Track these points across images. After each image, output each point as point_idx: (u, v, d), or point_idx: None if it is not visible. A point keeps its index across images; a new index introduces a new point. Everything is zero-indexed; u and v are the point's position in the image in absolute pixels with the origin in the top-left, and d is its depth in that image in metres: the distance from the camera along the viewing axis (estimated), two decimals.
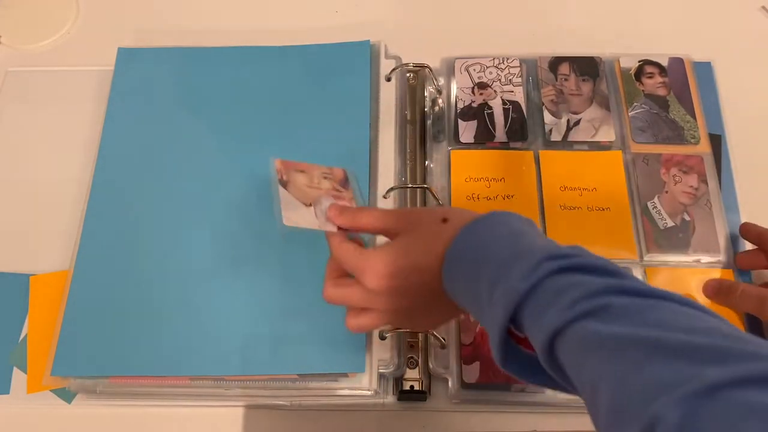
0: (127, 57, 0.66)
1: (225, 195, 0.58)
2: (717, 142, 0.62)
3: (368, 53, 0.64)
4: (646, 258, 0.56)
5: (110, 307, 0.54)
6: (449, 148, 0.61)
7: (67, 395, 0.54)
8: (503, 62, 0.65)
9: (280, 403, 0.53)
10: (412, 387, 0.53)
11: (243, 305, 0.54)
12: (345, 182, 0.53)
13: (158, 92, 0.64)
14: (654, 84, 0.63)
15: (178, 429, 0.54)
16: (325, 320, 0.53)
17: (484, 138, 0.61)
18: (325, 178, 0.52)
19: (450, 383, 0.52)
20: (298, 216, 0.47)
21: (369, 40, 0.65)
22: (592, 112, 0.62)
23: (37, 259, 0.59)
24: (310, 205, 0.49)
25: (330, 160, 0.54)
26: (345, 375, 0.52)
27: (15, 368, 0.55)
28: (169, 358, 0.52)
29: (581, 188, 0.59)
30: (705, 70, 0.65)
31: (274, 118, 0.62)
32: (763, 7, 0.71)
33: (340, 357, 0.51)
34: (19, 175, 0.64)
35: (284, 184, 0.49)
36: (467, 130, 0.61)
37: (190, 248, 0.56)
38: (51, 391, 0.54)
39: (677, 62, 0.64)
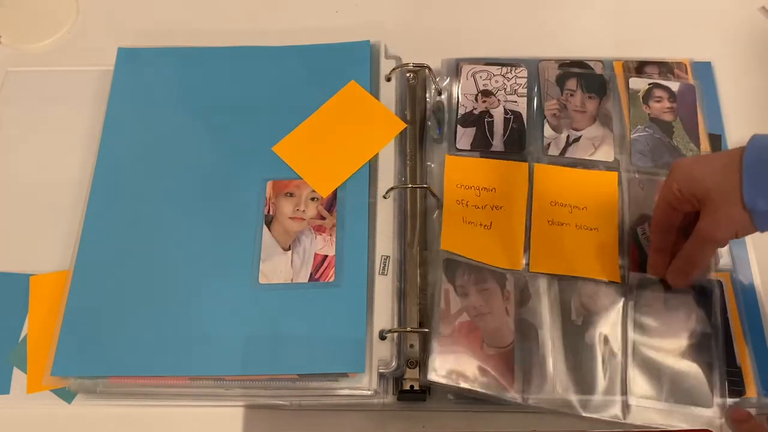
0: (127, 57, 0.66)
1: (225, 195, 0.58)
2: (717, 142, 0.61)
3: (368, 53, 0.65)
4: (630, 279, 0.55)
5: (110, 307, 0.54)
6: (446, 153, 0.61)
7: (67, 395, 0.54)
8: (510, 71, 0.64)
9: (280, 403, 0.53)
10: (412, 387, 0.53)
11: (243, 305, 0.54)
12: (333, 200, 0.56)
13: (158, 92, 0.64)
14: (661, 108, 0.62)
15: (178, 429, 0.54)
16: (325, 320, 0.53)
17: (481, 146, 0.61)
18: (313, 199, 0.56)
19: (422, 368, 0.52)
20: (273, 272, 0.55)
21: (369, 40, 0.65)
22: (593, 131, 0.61)
23: (37, 259, 0.59)
24: (289, 248, 0.55)
25: None
26: (345, 375, 0.52)
27: (15, 368, 0.55)
28: (169, 358, 0.52)
29: (572, 205, 0.58)
30: (705, 70, 0.65)
31: (274, 118, 0.62)
32: (763, 7, 0.71)
33: (340, 357, 0.51)
34: (19, 175, 0.64)
35: (269, 222, 0.56)
36: (465, 137, 0.61)
37: (190, 248, 0.56)
38: (51, 391, 0.54)
39: (688, 89, 0.63)
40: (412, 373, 0.53)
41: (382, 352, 0.52)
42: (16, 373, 0.55)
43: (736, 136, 0.62)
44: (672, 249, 0.53)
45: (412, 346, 0.54)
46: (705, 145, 0.61)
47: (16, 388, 0.55)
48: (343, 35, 0.66)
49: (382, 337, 0.52)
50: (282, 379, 0.52)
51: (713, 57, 0.66)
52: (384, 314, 0.53)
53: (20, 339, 0.56)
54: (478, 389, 0.51)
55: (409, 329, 0.54)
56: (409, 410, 0.54)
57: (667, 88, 0.63)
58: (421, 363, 0.53)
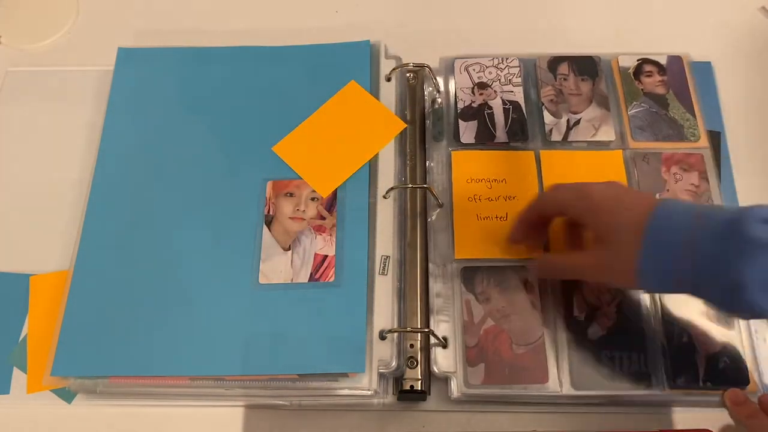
0: (127, 57, 0.66)
1: (225, 195, 0.58)
2: (716, 140, 0.62)
3: (368, 53, 0.65)
4: None
5: (110, 307, 0.54)
6: (450, 149, 0.61)
7: (67, 395, 0.54)
8: (503, 62, 0.65)
9: (280, 403, 0.53)
10: (412, 387, 0.53)
11: (243, 305, 0.54)
12: (333, 200, 0.56)
13: (158, 92, 0.64)
14: (653, 83, 0.63)
15: (178, 429, 0.54)
16: (325, 320, 0.53)
17: (485, 138, 0.61)
18: (313, 199, 0.56)
19: (453, 385, 0.52)
20: (273, 272, 0.55)
21: (369, 40, 0.65)
22: (591, 112, 0.62)
23: (37, 259, 0.59)
24: (289, 248, 0.55)
25: None
26: (345, 375, 0.52)
27: (15, 368, 0.55)
28: (169, 358, 0.52)
29: None
30: (705, 70, 0.65)
31: (274, 118, 0.62)
32: (763, 7, 0.71)
33: (340, 357, 0.51)
34: (19, 175, 0.64)
35: (269, 222, 0.56)
36: (468, 131, 0.61)
37: (190, 248, 0.56)
38: (51, 391, 0.54)
39: (676, 60, 0.65)
40: (412, 373, 0.53)
41: (382, 352, 0.52)
42: (16, 373, 0.55)
43: (735, 136, 0.62)
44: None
45: (412, 346, 0.54)
46: (699, 118, 0.62)
47: (16, 388, 0.55)
48: (343, 35, 0.66)
49: (382, 337, 0.52)
50: (282, 379, 0.52)
51: (713, 57, 0.66)
52: (384, 314, 0.53)
53: (20, 339, 0.56)
54: (516, 392, 0.52)
55: (409, 329, 0.54)
56: (409, 410, 0.54)
57: (656, 62, 0.64)
58: (422, 363, 0.53)
